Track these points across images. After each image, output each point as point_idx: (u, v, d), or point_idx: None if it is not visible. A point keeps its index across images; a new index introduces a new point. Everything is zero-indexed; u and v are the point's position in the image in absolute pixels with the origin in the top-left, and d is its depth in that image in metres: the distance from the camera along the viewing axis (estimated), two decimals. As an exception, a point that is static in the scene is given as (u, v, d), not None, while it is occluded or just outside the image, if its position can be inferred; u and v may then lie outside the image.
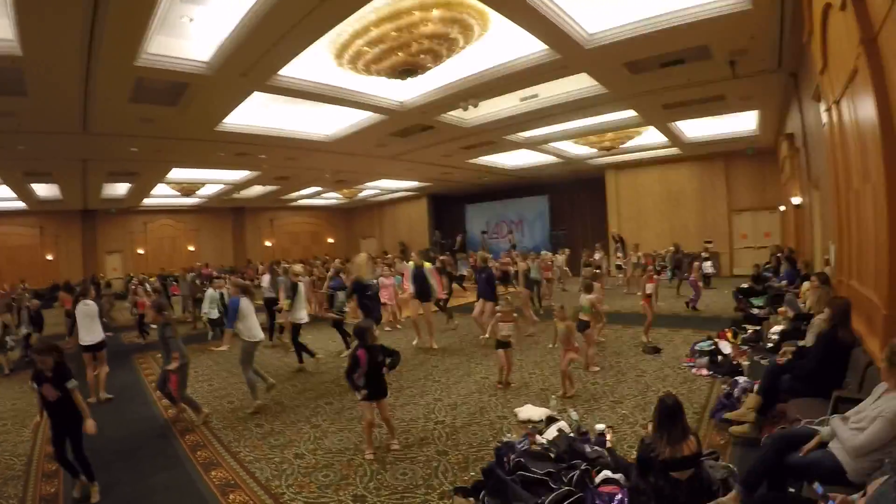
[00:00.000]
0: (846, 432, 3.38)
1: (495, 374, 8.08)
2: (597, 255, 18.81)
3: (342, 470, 5.10)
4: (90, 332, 8.18)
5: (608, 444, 5.05)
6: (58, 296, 17.83)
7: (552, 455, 4.50)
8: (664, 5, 7.97)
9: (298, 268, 10.24)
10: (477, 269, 11.64)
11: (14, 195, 20.45)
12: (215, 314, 12.16)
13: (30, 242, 25.54)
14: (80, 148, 13.46)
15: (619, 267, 19.42)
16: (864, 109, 4.54)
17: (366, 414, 5.48)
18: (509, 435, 5.54)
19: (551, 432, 5.08)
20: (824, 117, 6.67)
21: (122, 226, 27.98)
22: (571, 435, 5.08)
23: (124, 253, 28.24)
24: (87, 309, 8.22)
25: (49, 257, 25.98)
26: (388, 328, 12.75)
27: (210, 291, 12.42)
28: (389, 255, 21.96)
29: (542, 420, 5.70)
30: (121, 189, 21.48)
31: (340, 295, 10.27)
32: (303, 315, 9.84)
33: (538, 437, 4.89)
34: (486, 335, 9.81)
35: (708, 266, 16.95)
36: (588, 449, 4.64)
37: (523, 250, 22.02)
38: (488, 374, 8.31)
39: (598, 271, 13.46)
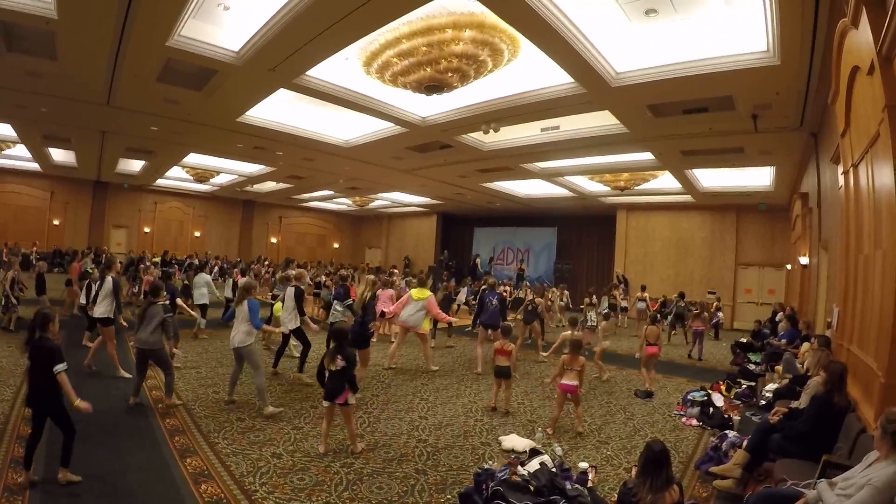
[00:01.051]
0: (832, 498, 3.32)
1: (484, 399, 8.05)
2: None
3: (318, 475, 5.02)
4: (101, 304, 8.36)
5: (590, 484, 4.97)
6: (63, 263, 17.96)
7: (532, 488, 4.43)
8: (693, 52, 8.02)
9: (294, 272, 9.70)
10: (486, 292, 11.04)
11: (30, 156, 20.61)
12: (204, 300, 12.08)
13: (39, 205, 25.59)
14: (102, 119, 13.53)
15: (623, 309, 19.29)
16: (881, 175, 4.52)
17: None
18: (491, 462, 5.45)
19: (533, 464, 5.01)
20: (841, 180, 6.65)
21: (132, 202, 28.02)
22: (553, 470, 5.00)
23: (130, 229, 28.24)
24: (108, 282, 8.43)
25: (56, 222, 26.06)
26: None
27: (202, 276, 12.34)
28: (396, 270, 21.89)
29: (525, 451, 5.63)
30: (136, 165, 21.64)
31: (338, 304, 9.63)
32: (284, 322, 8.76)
33: (520, 467, 4.82)
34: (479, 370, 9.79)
35: (719, 316, 16.97)
36: (569, 486, 4.57)
37: (527, 280, 22.06)
38: (477, 398, 8.24)
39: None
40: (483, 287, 11.50)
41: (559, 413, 7.01)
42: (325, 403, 5.70)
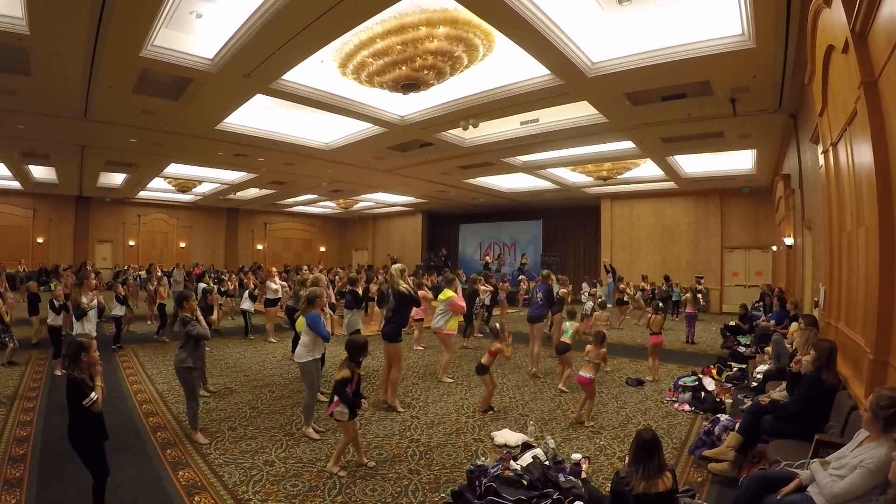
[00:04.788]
0: (825, 478, 3.32)
1: (475, 396, 8.04)
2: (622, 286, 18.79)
3: (311, 481, 4.99)
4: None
5: (583, 475, 4.96)
6: (48, 281, 17.63)
7: (525, 482, 4.41)
8: (668, 39, 8.03)
9: (309, 277, 9.43)
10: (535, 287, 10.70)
11: (10, 174, 20.37)
12: None
13: (21, 223, 25.30)
14: (80, 134, 13.37)
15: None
16: (860, 152, 4.54)
17: (349, 431, 5.32)
18: (483, 458, 5.45)
19: (526, 458, 4.99)
20: (821, 159, 6.67)
21: (116, 216, 27.78)
22: (546, 463, 4.99)
23: (115, 243, 28.03)
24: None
25: (40, 240, 25.76)
26: (417, 347, 12.06)
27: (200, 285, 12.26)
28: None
29: (517, 445, 5.61)
30: (117, 179, 21.44)
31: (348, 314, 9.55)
32: None
33: (512, 462, 4.80)
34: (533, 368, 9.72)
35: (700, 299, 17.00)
36: (562, 478, 4.56)
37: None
38: (468, 395, 8.23)
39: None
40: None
41: (583, 403, 7.02)
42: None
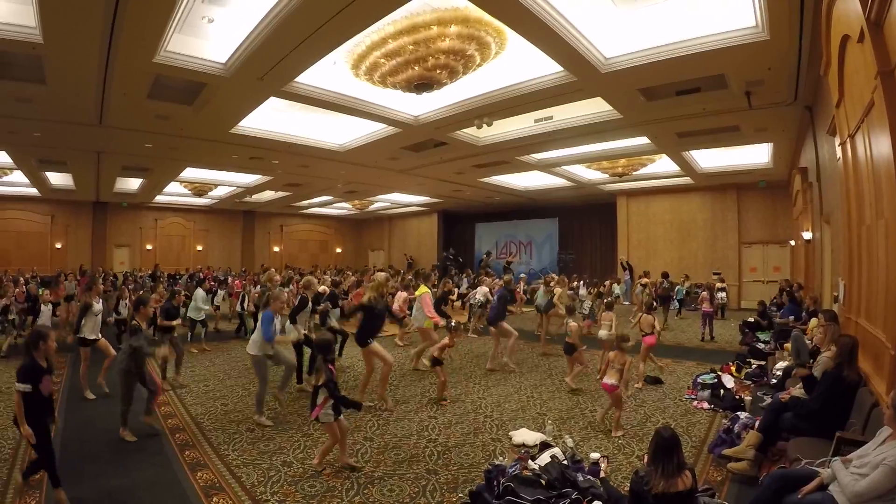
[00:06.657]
0: (847, 477, 3.27)
1: (493, 396, 8.03)
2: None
3: (329, 481, 5.00)
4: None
5: (602, 474, 4.94)
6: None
7: (543, 482, 4.39)
8: (681, 33, 7.95)
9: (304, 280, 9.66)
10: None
11: (28, 181, 20.52)
12: (200, 315, 11.97)
13: (40, 229, 25.50)
14: (95, 140, 13.48)
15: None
16: (879, 143, 4.46)
17: (335, 432, 5.29)
18: (501, 458, 5.43)
19: (544, 458, 4.97)
20: (838, 151, 6.59)
21: (133, 220, 27.95)
22: (565, 462, 4.97)
23: (132, 248, 28.19)
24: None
25: (58, 246, 25.95)
26: (400, 343, 12.42)
27: (199, 291, 12.27)
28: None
29: (536, 445, 5.58)
30: (133, 184, 21.58)
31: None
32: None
33: (530, 462, 4.78)
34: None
35: (722, 296, 16.78)
36: (580, 478, 4.53)
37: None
38: (486, 394, 8.21)
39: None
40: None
41: (606, 409, 6.89)
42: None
